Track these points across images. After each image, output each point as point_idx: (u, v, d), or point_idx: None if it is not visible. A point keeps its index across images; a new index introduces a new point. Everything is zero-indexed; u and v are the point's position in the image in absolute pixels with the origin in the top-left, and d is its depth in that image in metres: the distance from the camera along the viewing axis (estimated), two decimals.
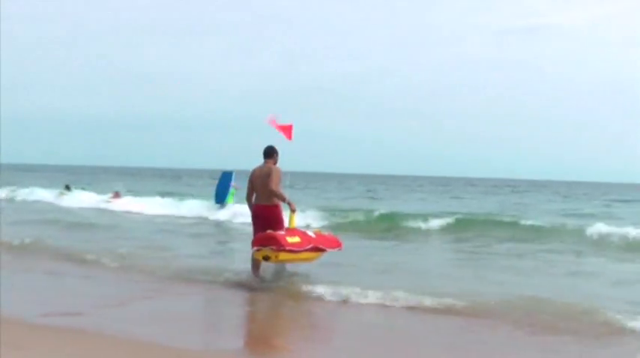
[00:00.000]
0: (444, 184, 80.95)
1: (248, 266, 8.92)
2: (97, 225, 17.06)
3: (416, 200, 38.69)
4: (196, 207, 22.92)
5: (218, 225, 18.95)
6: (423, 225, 17.50)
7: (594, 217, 22.96)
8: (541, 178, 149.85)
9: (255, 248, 8.51)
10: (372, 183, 77.05)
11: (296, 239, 8.49)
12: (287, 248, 8.30)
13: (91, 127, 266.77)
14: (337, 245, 9.48)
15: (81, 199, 26.38)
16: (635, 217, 25.53)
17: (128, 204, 24.60)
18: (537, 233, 16.42)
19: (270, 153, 8.88)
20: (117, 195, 26.29)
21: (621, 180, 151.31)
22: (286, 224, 8.79)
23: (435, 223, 17.69)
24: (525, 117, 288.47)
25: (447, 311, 7.31)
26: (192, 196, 27.87)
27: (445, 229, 17.29)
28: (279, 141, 9.13)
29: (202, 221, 19.89)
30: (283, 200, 8.68)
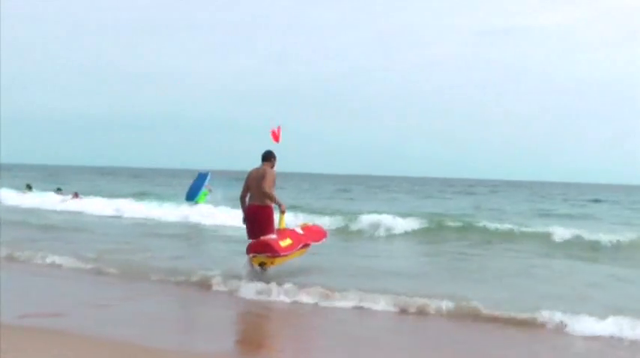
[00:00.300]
0: (421, 184, 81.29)
1: (220, 267, 9.36)
2: (56, 226, 16.81)
3: (388, 200, 38.69)
4: (160, 208, 22.46)
5: (179, 225, 18.54)
6: (389, 226, 17.24)
7: (563, 217, 23.35)
8: (519, 179, 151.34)
9: (252, 255, 8.80)
10: (350, 183, 77.10)
11: (288, 241, 9.01)
12: (281, 253, 8.76)
13: (85, 127, 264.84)
14: (323, 236, 10.30)
15: (41, 200, 25.87)
16: (604, 218, 26.05)
17: (85, 204, 24.07)
18: (504, 235, 16.47)
19: (267, 156, 9.31)
20: (76, 195, 26.21)
21: (599, 180, 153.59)
22: (277, 224, 9.20)
23: (402, 224, 17.43)
24: (503, 118, 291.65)
25: (422, 312, 7.41)
26: (164, 197, 27.71)
27: (412, 232, 17.12)
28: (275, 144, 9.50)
29: (160, 222, 19.43)
30: (275, 201, 9.06)
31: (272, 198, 8.98)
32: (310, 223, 11.13)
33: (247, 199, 9.19)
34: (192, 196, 23.23)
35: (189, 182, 25.51)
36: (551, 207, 34.31)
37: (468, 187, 72.69)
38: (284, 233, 9.13)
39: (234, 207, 18.36)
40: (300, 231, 9.60)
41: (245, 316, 7.70)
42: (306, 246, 9.57)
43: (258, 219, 8.93)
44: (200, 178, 24.10)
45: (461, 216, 22.13)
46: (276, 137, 9.48)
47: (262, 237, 8.74)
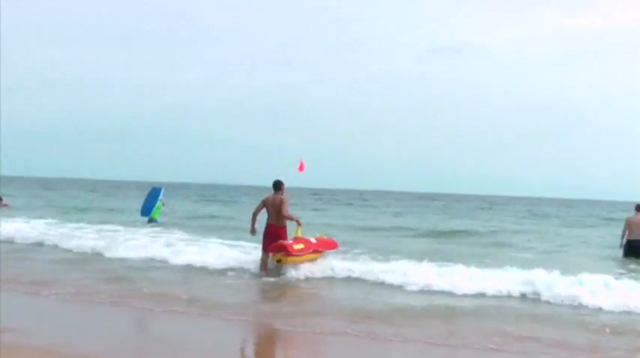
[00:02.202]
0: (357, 197, 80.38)
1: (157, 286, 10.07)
2: None
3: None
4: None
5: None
6: None
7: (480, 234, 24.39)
8: (469, 193, 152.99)
9: (271, 254, 11.21)
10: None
11: (300, 245, 11.32)
12: (293, 253, 11.07)
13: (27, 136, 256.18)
14: (334, 246, 12.54)
15: None
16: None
17: None
18: None
19: (279, 186, 11.54)
20: None
21: (543, 194, 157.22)
22: (294, 234, 11.53)
23: None
24: (455, 133, 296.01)
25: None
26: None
27: None
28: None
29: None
30: (293, 219, 11.55)
31: (292, 218, 11.47)
32: (325, 237, 12.67)
33: (259, 216, 11.57)
34: (147, 211, 23.41)
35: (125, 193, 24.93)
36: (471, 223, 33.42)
37: (417, 200, 73.48)
38: (298, 240, 11.39)
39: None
40: (313, 241, 11.86)
41: (208, 331, 7.49)
42: (317, 251, 11.76)
43: (275, 236, 11.24)
44: (154, 193, 24.20)
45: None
46: (301, 168, 11.84)
47: (280, 241, 11.09)
